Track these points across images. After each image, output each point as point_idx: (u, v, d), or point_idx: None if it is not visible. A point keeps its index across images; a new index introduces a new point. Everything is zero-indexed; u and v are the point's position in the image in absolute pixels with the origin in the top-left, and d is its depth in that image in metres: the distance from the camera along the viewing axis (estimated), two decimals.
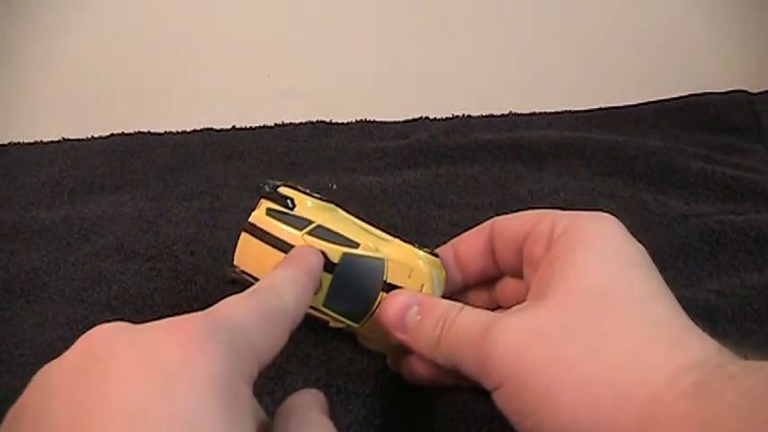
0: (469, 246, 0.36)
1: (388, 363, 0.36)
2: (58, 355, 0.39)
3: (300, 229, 0.34)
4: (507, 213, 0.36)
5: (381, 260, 0.34)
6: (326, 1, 0.69)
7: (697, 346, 0.26)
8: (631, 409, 0.25)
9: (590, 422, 0.25)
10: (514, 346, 0.28)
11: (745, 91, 0.62)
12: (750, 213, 0.47)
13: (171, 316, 0.32)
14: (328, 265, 0.34)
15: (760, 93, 0.63)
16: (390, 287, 0.34)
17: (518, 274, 0.34)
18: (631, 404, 0.25)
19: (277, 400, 0.35)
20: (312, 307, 0.34)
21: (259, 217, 0.34)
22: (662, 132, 0.59)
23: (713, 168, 0.52)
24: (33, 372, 0.38)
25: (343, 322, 0.34)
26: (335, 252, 0.34)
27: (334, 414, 0.35)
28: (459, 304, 0.31)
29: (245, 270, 0.35)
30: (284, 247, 0.34)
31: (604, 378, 0.26)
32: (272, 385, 0.37)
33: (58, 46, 0.68)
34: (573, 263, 0.29)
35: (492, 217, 0.36)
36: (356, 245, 0.34)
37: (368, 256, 0.34)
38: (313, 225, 0.34)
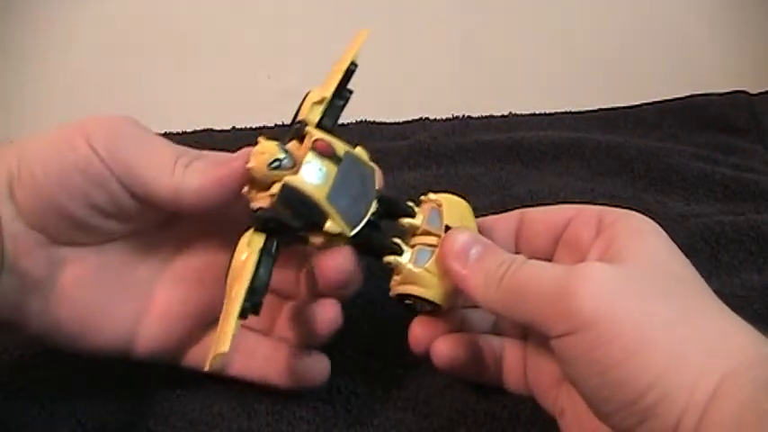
0: (495, 227, 0.35)
1: (411, 341, 0.34)
2: (58, 356, 0.39)
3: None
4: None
5: (372, 169, 0.34)
6: (327, 1, 0.69)
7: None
8: (711, 381, 0.24)
9: (673, 386, 0.25)
10: (610, 289, 0.26)
11: (746, 91, 0.62)
12: (750, 213, 0.47)
13: None
14: (335, 159, 0.32)
15: (760, 93, 0.63)
16: (448, 229, 0.33)
17: None
18: (714, 375, 0.24)
19: (277, 399, 0.36)
20: (318, 202, 0.31)
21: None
22: (662, 133, 0.59)
23: (713, 169, 0.52)
24: (34, 372, 0.38)
25: (339, 224, 0.32)
26: (341, 148, 0.33)
27: (334, 414, 0.35)
28: (523, 256, 0.30)
29: None
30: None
31: (697, 342, 0.25)
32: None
33: (57, 46, 0.68)
34: (640, 244, 0.29)
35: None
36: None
37: (364, 161, 0.34)
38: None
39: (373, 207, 0.33)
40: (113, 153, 0.31)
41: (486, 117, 0.63)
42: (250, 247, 0.31)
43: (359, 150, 0.34)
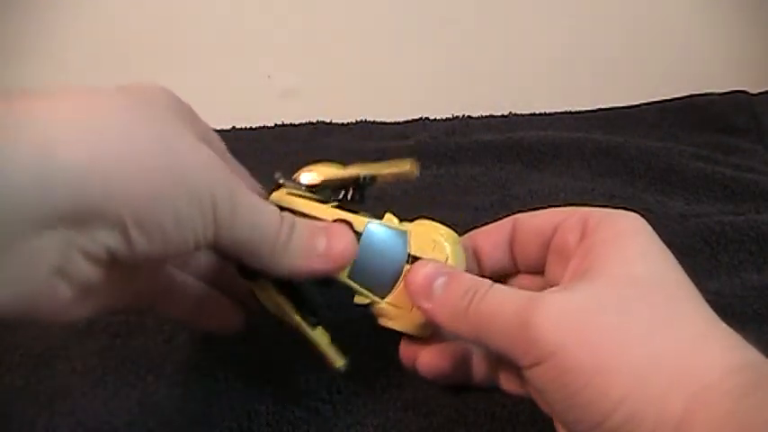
0: (488, 238, 0.35)
1: (401, 356, 0.35)
2: (58, 356, 0.39)
3: (326, 203, 0.33)
4: (507, 214, 0.36)
5: (405, 232, 0.34)
6: (327, 1, 0.69)
7: (750, 346, 0.26)
8: (682, 396, 0.24)
9: (640, 404, 0.25)
10: (566, 318, 0.27)
11: (746, 91, 0.62)
12: (750, 213, 0.47)
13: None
14: (356, 235, 0.33)
15: (760, 93, 0.63)
16: (415, 259, 0.33)
17: (535, 270, 0.34)
18: (684, 391, 0.24)
19: (279, 400, 0.36)
20: (338, 279, 0.33)
21: (280, 197, 0.33)
22: (662, 133, 0.59)
23: (713, 169, 0.52)
24: (34, 372, 0.38)
25: (367, 296, 0.33)
26: (360, 222, 0.33)
27: (334, 414, 0.35)
28: (489, 281, 0.30)
29: None
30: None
31: (662, 361, 0.25)
32: (272, 386, 0.37)
33: (57, 45, 0.68)
34: (617, 250, 0.29)
35: (492, 218, 0.37)
36: (380, 217, 0.34)
37: (392, 227, 0.34)
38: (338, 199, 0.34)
39: (404, 270, 0.33)
40: (230, 231, 0.28)
41: (486, 117, 0.63)
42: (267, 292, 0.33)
43: (387, 217, 0.34)
